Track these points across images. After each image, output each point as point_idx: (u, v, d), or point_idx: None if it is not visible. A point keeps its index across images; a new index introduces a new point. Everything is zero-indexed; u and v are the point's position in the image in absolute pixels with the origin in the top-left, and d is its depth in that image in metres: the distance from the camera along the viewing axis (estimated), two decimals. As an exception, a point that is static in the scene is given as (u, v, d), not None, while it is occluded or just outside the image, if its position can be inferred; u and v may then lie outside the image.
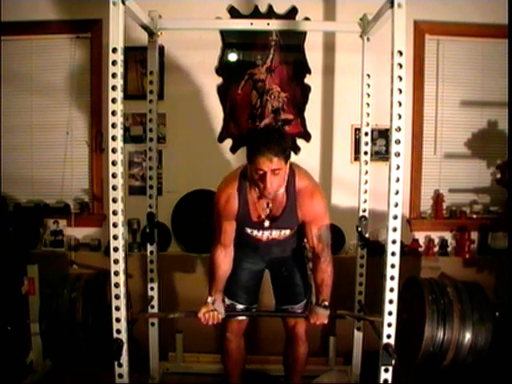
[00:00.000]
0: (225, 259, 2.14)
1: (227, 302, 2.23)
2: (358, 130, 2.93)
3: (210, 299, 2.11)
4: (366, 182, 2.64)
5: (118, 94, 1.82)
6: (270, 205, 2.03)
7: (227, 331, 2.30)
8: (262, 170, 1.84)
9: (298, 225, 2.08)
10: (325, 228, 2.07)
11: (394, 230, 1.88)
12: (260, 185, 1.89)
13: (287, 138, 1.98)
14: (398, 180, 1.86)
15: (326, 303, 2.08)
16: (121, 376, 1.94)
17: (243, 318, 2.29)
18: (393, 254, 1.90)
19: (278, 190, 1.94)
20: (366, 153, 2.64)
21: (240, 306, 2.25)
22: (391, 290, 1.91)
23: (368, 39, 2.53)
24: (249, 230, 2.10)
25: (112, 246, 1.88)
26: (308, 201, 2.01)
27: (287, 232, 2.09)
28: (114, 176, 1.84)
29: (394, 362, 1.92)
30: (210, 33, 3.02)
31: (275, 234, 2.09)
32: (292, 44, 3.08)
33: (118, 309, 1.90)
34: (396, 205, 1.87)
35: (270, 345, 2.93)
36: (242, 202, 2.02)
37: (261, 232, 2.08)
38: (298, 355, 2.35)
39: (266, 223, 2.05)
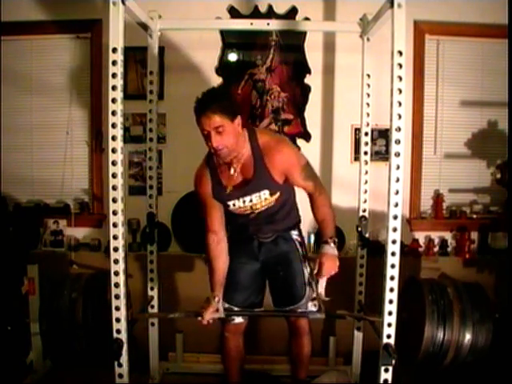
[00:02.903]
0: (218, 246, 2.12)
1: (225, 305, 2.21)
2: (358, 130, 2.93)
3: (217, 298, 2.08)
4: (366, 181, 2.64)
5: (118, 94, 1.82)
6: (237, 167, 2.02)
7: (226, 330, 2.30)
8: (204, 130, 1.90)
9: (275, 185, 2.04)
10: (304, 167, 2.05)
11: (394, 230, 1.88)
12: (208, 145, 1.93)
13: (228, 94, 2.05)
14: (397, 180, 1.86)
15: (335, 239, 2.04)
16: (121, 376, 1.94)
17: (241, 319, 2.28)
18: (393, 254, 1.90)
19: (230, 148, 1.93)
20: (366, 153, 2.64)
21: (237, 310, 2.23)
22: (391, 289, 1.91)
23: (368, 39, 2.53)
24: (230, 204, 2.08)
25: (112, 246, 1.88)
26: (275, 152, 2.00)
27: (266, 194, 2.04)
28: (114, 176, 1.85)
29: (393, 361, 1.92)
30: (210, 33, 3.02)
31: (256, 199, 2.05)
32: (292, 44, 3.08)
33: (117, 309, 1.90)
34: (396, 205, 1.87)
35: (270, 345, 2.94)
36: (213, 175, 2.08)
37: (241, 200, 2.06)
38: (301, 347, 2.35)
39: (241, 189, 2.03)
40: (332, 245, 2.03)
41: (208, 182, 2.08)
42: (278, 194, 2.07)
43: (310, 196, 2.11)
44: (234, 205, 2.08)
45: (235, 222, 2.18)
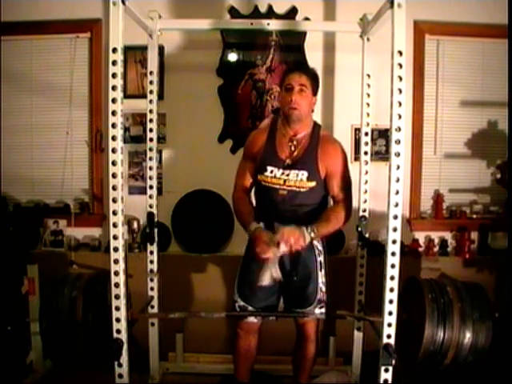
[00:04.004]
0: (244, 197, 2.26)
1: (240, 303, 2.25)
2: (358, 130, 2.93)
3: (262, 224, 2.13)
4: (366, 182, 2.64)
5: (118, 94, 1.82)
6: (295, 142, 2.17)
7: (238, 327, 2.32)
8: (290, 85, 2.10)
9: (316, 173, 2.13)
10: (346, 179, 2.19)
11: (394, 230, 1.88)
12: (287, 100, 2.10)
13: (317, 77, 2.23)
14: (398, 180, 1.86)
15: (315, 230, 2.04)
16: (121, 376, 1.95)
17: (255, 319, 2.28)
18: (393, 254, 1.90)
19: (301, 113, 2.11)
20: (366, 153, 2.64)
21: (252, 309, 2.25)
22: (391, 290, 1.91)
23: (368, 39, 2.53)
24: (269, 169, 2.16)
25: (112, 245, 1.88)
26: (329, 148, 2.17)
27: (304, 176, 2.12)
28: (114, 176, 1.85)
29: (393, 361, 1.92)
30: (210, 33, 3.02)
31: (293, 175, 2.13)
32: (292, 44, 3.08)
33: (117, 309, 1.90)
34: (396, 205, 1.87)
35: (272, 345, 2.92)
36: (271, 137, 2.22)
37: (280, 171, 2.14)
38: (306, 354, 2.37)
39: (288, 161, 2.15)
40: (306, 232, 2.02)
41: (259, 145, 2.21)
42: (314, 183, 2.14)
43: (334, 202, 2.22)
44: (271, 172, 2.15)
45: (261, 201, 2.26)
